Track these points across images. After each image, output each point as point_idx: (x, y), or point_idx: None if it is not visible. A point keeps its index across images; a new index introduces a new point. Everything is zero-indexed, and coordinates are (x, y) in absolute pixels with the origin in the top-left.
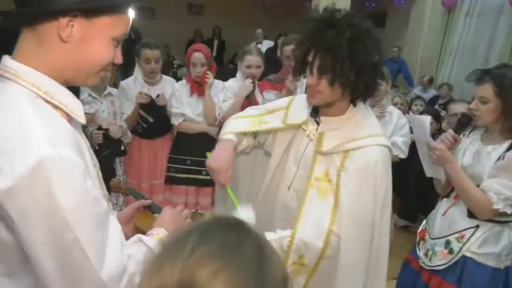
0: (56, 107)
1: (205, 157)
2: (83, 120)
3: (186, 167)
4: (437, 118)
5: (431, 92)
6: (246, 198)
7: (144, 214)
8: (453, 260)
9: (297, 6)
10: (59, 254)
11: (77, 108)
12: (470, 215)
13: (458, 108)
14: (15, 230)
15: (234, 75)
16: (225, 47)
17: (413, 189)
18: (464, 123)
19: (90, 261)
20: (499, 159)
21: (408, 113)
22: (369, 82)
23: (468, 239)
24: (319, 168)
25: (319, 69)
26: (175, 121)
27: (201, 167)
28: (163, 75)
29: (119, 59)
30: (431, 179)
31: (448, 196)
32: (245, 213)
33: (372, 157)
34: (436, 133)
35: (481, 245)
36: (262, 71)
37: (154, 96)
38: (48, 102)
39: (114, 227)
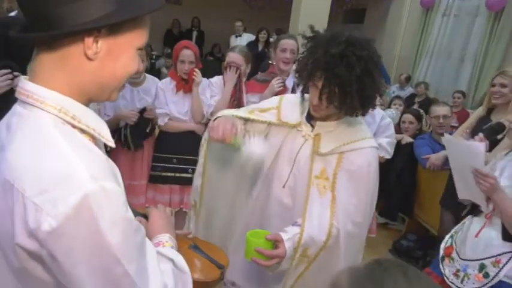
0: (82, 131)
1: (192, 155)
2: (112, 143)
3: (172, 165)
4: (418, 118)
5: (409, 90)
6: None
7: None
8: (488, 285)
9: (277, 1)
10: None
11: (104, 130)
12: (505, 237)
13: (440, 111)
14: (58, 269)
15: (214, 68)
16: (204, 38)
17: (394, 190)
18: (497, 131)
19: None
20: None
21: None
22: (371, 106)
23: (505, 264)
24: (317, 167)
25: (328, 99)
26: (161, 121)
27: (188, 165)
28: (146, 74)
29: (140, 67)
30: (412, 179)
31: (476, 215)
32: (255, 148)
33: (366, 159)
34: (416, 133)
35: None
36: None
37: (137, 100)
38: (74, 126)
39: (150, 248)
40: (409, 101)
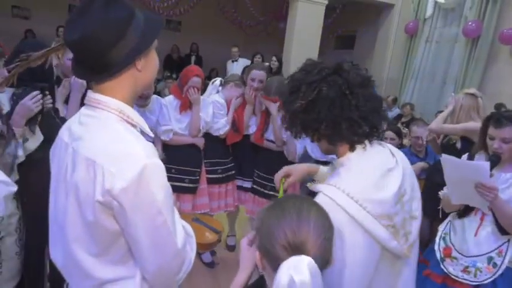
0: (133, 125)
1: (189, 166)
2: (151, 133)
3: (170, 175)
4: (399, 134)
5: (396, 111)
6: None
7: None
8: (498, 273)
9: (271, 27)
10: (153, 232)
11: (145, 125)
12: (502, 232)
13: (420, 132)
14: (123, 218)
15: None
16: (202, 62)
17: None
18: (496, 162)
19: (172, 236)
20: None
21: None
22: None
23: (506, 252)
24: None
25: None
26: (166, 137)
27: (184, 176)
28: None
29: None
30: None
31: (465, 215)
32: None
33: None
34: (398, 148)
35: None
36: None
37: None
38: (128, 122)
39: (176, 212)
40: (396, 121)
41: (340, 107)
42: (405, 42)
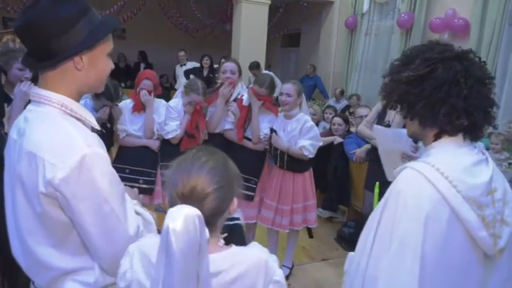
0: (78, 119)
1: (144, 167)
2: (97, 126)
3: (124, 175)
4: (346, 121)
5: (344, 103)
6: None
7: None
8: None
9: (217, 30)
10: (101, 220)
11: (91, 118)
12: None
13: (362, 111)
14: (68, 208)
15: (163, 97)
16: (153, 69)
17: (332, 184)
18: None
19: (122, 223)
20: None
21: (324, 119)
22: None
23: None
24: None
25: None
26: (120, 136)
27: (139, 176)
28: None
29: (112, 65)
30: (346, 173)
31: None
32: None
33: None
34: (345, 134)
35: None
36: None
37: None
38: (72, 116)
39: (129, 200)
40: (344, 112)
41: (447, 92)
42: (347, 36)
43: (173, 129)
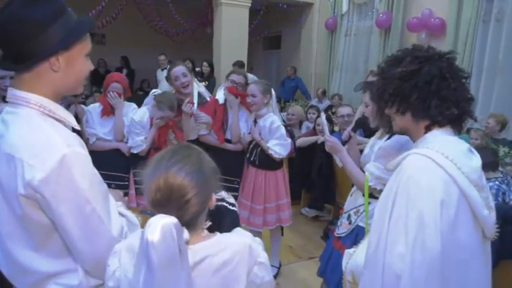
0: (56, 119)
1: (115, 171)
2: (77, 126)
3: None
4: (329, 121)
5: (326, 103)
6: None
7: None
8: (351, 228)
9: (198, 33)
10: (82, 221)
11: (71, 118)
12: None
13: (343, 111)
14: (49, 210)
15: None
16: (134, 75)
17: (317, 183)
18: (358, 124)
19: (104, 224)
20: (379, 149)
21: (307, 119)
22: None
23: (362, 212)
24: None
25: None
26: (90, 141)
27: (110, 181)
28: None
29: (91, 67)
30: (330, 172)
31: None
32: None
33: None
34: (330, 133)
35: (371, 217)
36: None
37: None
38: (51, 116)
39: (112, 201)
40: (326, 111)
41: (438, 85)
42: (327, 37)
43: (138, 144)
